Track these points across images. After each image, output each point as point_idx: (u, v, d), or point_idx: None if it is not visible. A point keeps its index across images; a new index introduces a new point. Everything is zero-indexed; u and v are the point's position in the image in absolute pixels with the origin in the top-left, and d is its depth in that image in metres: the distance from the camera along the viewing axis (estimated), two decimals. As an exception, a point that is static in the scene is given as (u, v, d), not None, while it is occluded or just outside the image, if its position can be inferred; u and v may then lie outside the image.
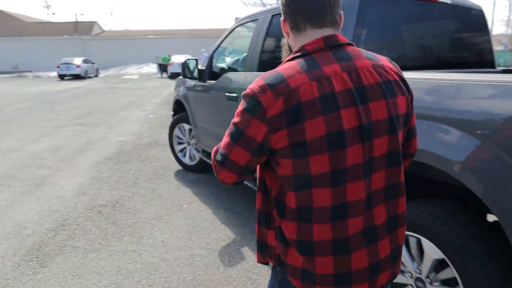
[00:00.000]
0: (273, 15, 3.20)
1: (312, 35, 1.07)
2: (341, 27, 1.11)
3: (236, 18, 4.63)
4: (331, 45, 1.05)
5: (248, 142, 1.02)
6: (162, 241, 3.23)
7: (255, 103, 1.00)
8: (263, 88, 1.00)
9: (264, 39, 3.19)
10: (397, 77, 1.09)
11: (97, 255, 3.02)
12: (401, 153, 1.08)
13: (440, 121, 1.77)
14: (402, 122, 1.08)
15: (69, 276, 2.73)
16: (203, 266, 2.84)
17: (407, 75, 2.04)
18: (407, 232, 1.89)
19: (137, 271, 2.79)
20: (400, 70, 1.13)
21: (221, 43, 4.33)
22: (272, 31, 3.16)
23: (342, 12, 1.11)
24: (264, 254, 1.19)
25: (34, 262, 2.94)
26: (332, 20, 1.08)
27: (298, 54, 1.06)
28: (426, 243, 1.83)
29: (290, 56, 1.08)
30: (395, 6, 2.72)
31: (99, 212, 3.84)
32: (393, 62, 1.14)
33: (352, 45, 1.09)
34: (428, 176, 2.02)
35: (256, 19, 3.43)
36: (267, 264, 1.21)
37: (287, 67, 1.03)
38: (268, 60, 3.26)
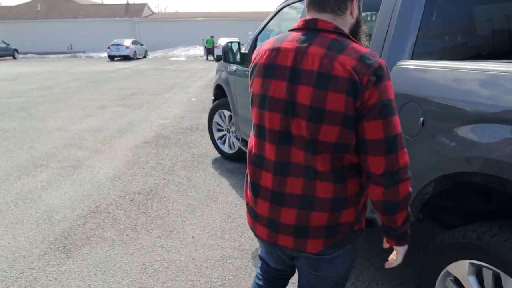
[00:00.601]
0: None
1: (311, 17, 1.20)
2: (353, 13, 1.18)
3: (284, 1, 4.31)
4: (308, 27, 1.17)
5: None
6: (192, 237, 3.01)
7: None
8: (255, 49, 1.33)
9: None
10: (344, 75, 1.06)
11: (124, 248, 2.85)
12: (324, 145, 1.12)
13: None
14: (335, 119, 1.09)
15: (92, 271, 2.57)
16: (234, 270, 2.58)
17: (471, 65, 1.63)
18: (480, 262, 1.51)
19: (163, 270, 2.58)
20: (367, 72, 1.05)
21: (266, 24, 3.99)
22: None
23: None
24: None
25: (61, 252, 2.81)
26: (333, 7, 1.15)
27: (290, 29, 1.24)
28: (508, 283, 1.42)
29: None
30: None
31: (131, 200, 3.69)
32: (368, 61, 1.06)
33: (335, 33, 1.14)
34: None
35: (304, -3, 3.06)
36: None
37: (274, 37, 1.26)
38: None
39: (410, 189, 1.15)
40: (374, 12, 3.09)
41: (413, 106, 1.82)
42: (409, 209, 1.20)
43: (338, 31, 1.14)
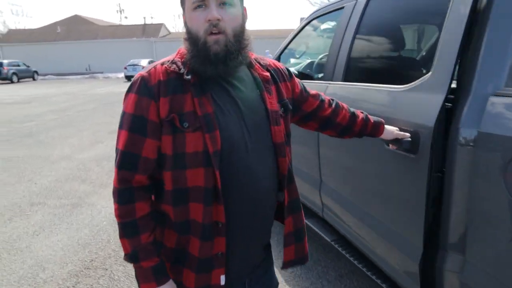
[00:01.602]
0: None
1: None
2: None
3: (302, 19, 3.85)
4: None
5: None
6: (205, 308, 2.40)
7: None
8: None
9: (356, 33, 2.24)
10: None
11: (119, 325, 2.26)
12: None
13: None
14: None
15: None
16: None
17: None
18: None
19: None
20: None
21: (289, 43, 3.41)
22: (371, 19, 2.20)
23: None
24: None
25: (40, 329, 2.24)
26: None
27: None
28: None
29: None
30: None
31: (134, 251, 3.11)
32: None
33: None
34: None
35: (342, 7, 2.47)
36: None
37: None
38: (363, 63, 2.32)
39: (119, 219, 1.07)
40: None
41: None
42: (133, 249, 1.07)
43: None
